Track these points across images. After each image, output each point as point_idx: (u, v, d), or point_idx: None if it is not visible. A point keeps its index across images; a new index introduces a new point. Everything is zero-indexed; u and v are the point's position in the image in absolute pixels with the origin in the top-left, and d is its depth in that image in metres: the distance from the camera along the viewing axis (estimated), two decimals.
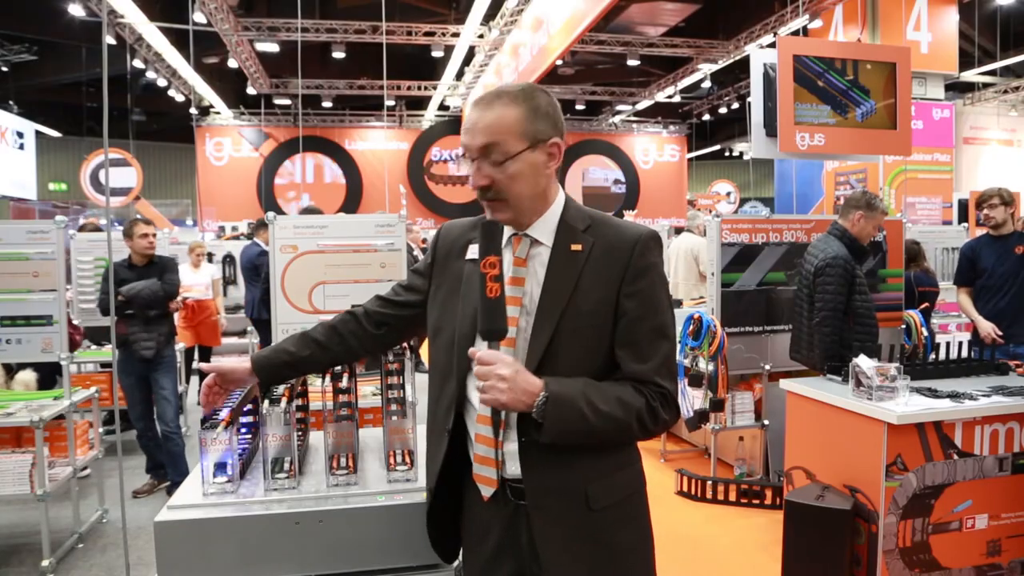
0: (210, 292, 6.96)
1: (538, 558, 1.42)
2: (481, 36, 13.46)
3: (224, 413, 1.73)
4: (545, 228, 1.47)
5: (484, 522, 1.49)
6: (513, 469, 1.43)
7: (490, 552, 1.49)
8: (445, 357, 1.51)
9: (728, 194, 21.11)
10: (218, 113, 18.91)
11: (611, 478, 1.45)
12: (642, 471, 1.54)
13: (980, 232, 4.52)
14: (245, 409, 1.95)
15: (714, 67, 15.64)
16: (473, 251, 1.51)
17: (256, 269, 6.35)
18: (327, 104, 18.09)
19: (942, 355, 3.50)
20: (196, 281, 6.84)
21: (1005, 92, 14.43)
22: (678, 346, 4.55)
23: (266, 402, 1.71)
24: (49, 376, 5.53)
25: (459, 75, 16.25)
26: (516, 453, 1.42)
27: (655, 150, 21.75)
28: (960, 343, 3.51)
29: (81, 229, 6.74)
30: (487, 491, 1.45)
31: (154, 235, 4.64)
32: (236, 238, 10.92)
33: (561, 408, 1.33)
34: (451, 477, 1.51)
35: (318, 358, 1.69)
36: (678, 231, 8.13)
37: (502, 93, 1.42)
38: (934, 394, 2.98)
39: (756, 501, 4.26)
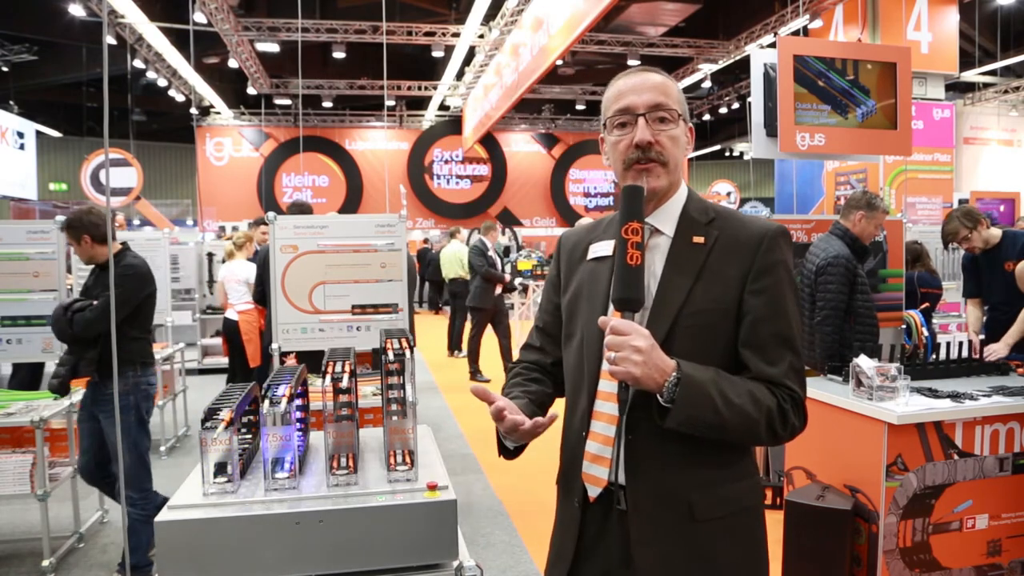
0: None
1: (629, 565, 1.32)
2: (481, 36, 13.46)
3: (224, 413, 1.73)
4: (668, 217, 1.39)
5: (576, 524, 1.41)
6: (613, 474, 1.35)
7: (577, 554, 1.41)
8: (575, 361, 1.45)
9: (728, 194, 21.05)
10: (218, 113, 18.92)
11: (720, 488, 1.34)
12: (758, 486, 1.43)
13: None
14: (245, 409, 1.95)
15: (714, 67, 15.65)
16: (594, 250, 1.47)
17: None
18: (327, 104, 18.08)
19: (942, 355, 3.50)
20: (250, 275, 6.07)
21: (1005, 92, 14.45)
22: None
23: (266, 402, 1.71)
24: (32, 377, 5.55)
25: (459, 75, 16.25)
26: (620, 455, 1.32)
27: None
28: (960, 343, 3.51)
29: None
30: (594, 491, 1.37)
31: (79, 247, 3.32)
32: None
33: (692, 391, 1.23)
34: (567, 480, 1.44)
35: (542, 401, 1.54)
36: None
37: (650, 68, 1.42)
38: (934, 394, 2.98)
39: None
